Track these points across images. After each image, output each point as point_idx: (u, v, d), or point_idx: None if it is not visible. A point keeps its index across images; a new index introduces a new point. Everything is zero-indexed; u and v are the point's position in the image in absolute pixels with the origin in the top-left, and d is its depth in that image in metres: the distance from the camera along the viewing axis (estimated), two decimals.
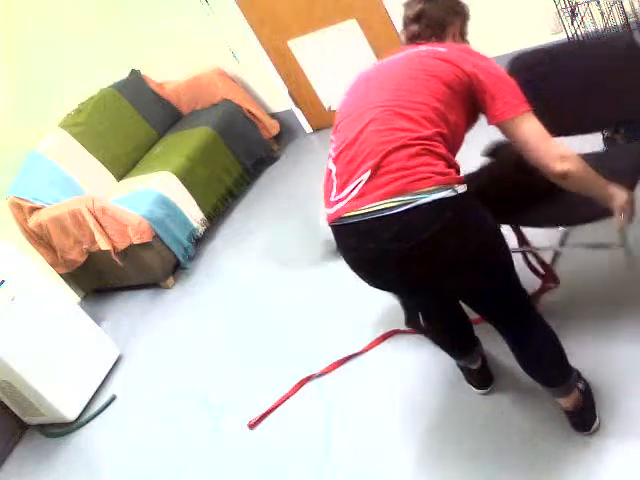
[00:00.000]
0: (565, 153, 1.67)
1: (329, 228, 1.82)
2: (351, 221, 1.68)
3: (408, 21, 1.91)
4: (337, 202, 1.73)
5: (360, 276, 1.82)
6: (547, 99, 1.85)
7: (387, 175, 1.64)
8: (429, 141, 1.65)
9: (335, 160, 1.78)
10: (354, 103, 1.81)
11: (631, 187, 1.91)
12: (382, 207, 1.62)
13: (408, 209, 1.59)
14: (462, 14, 1.94)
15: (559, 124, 1.76)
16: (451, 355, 2.21)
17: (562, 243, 2.56)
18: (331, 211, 1.76)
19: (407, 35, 1.92)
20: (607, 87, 2.10)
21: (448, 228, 1.61)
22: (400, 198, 1.61)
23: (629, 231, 1.98)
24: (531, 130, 1.68)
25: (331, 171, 1.79)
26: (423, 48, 1.82)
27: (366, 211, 1.65)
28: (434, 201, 1.59)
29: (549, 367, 1.89)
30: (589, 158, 1.80)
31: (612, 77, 2.08)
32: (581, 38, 2.66)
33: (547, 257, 2.51)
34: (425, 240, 1.61)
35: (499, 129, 1.75)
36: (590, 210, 1.86)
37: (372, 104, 1.74)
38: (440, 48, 1.79)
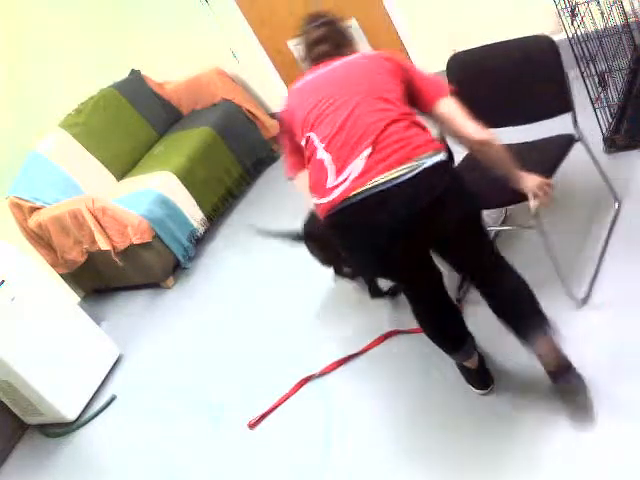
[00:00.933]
0: (483, 126, 1.90)
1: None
2: (359, 198, 1.74)
3: (314, 43, 2.10)
4: (337, 186, 1.78)
5: (366, 260, 1.90)
6: (479, 95, 2.15)
7: (388, 148, 1.75)
8: (411, 116, 1.85)
9: (327, 148, 1.83)
10: (320, 103, 1.90)
11: (547, 176, 2.11)
12: (390, 177, 1.72)
13: (415, 175, 1.73)
14: (351, 38, 2.16)
15: (490, 118, 2.02)
16: (447, 348, 2.20)
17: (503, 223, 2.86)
18: (330, 197, 1.79)
19: (315, 55, 2.09)
20: (530, 84, 2.32)
21: (449, 189, 1.79)
22: (405, 166, 1.73)
23: (543, 214, 2.16)
24: (456, 108, 1.93)
25: (323, 160, 1.83)
26: (353, 56, 2.01)
27: (374, 184, 1.73)
28: (435, 164, 1.76)
29: (527, 310, 1.98)
30: (519, 147, 2.23)
31: (534, 75, 2.30)
32: (581, 38, 2.67)
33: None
34: (431, 203, 1.75)
35: (430, 113, 1.97)
36: (507, 195, 2.13)
37: (348, 95, 1.86)
38: (371, 53, 2.03)
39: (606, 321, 2.21)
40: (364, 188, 1.74)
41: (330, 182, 1.80)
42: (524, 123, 2.43)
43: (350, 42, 2.14)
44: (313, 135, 1.89)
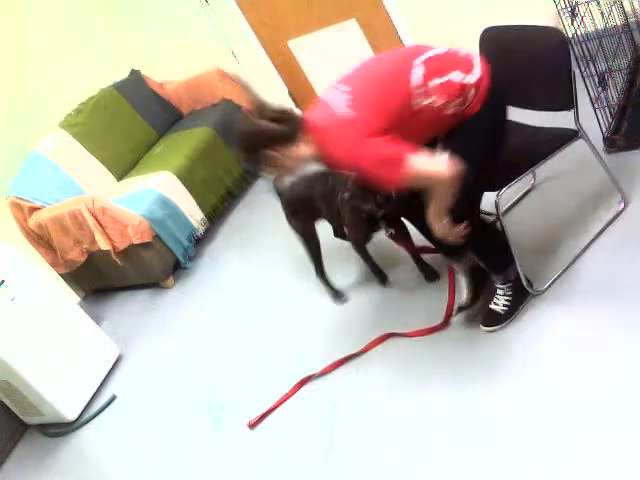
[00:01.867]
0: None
1: None
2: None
3: (281, 115, 2.09)
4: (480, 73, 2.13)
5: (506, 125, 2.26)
6: (503, 68, 2.24)
7: None
8: None
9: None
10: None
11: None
12: None
13: None
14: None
15: (509, 92, 2.20)
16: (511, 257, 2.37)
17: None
18: (478, 65, 2.14)
19: (296, 121, 2.09)
20: (539, 72, 2.39)
21: None
22: None
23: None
24: None
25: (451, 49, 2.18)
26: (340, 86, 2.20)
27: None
28: None
29: None
30: (524, 127, 2.48)
31: (545, 65, 2.36)
32: (581, 38, 2.67)
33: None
34: None
35: None
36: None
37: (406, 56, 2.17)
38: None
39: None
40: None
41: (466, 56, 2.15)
42: (529, 107, 2.48)
43: None
44: (434, 50, 2.14)
